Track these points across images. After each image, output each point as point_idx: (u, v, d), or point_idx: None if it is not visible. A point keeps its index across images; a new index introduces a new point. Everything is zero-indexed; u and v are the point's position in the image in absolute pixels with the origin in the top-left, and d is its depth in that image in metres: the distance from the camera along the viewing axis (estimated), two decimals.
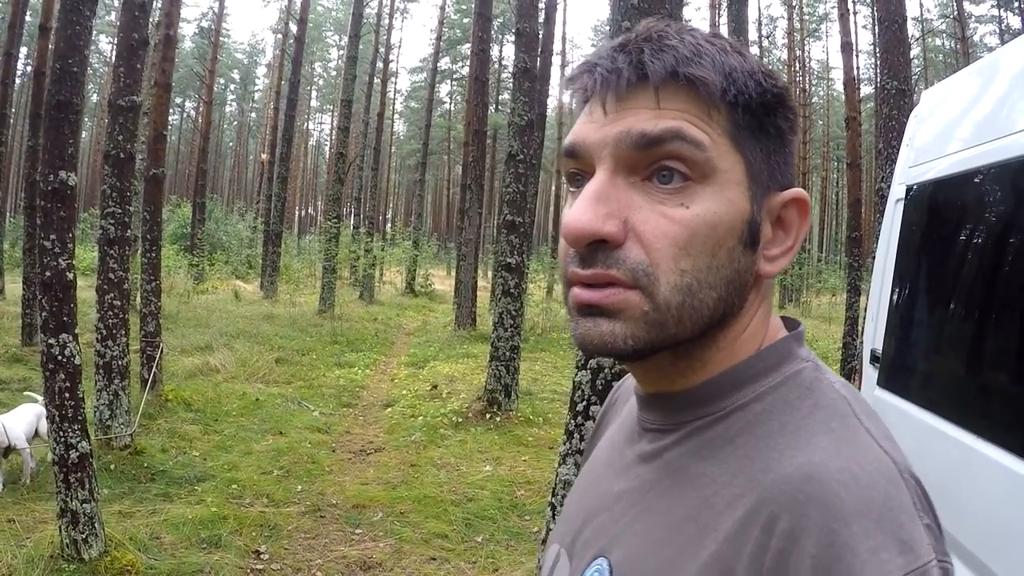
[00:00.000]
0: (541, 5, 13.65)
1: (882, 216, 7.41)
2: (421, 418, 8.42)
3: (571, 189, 0.73)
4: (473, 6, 20.77)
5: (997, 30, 36.53)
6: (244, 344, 11.45)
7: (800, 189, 0.73)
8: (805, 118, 40.75)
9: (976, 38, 34.32)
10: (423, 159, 31.02)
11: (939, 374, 2.97)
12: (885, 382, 3.39)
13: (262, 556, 4.71)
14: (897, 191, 3.88)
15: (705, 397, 0.72)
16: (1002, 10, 34.51)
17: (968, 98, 3.18)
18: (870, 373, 3.84)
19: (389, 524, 5.41)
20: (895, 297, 3.40)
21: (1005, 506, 2.08)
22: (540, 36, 10.45)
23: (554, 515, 3.64)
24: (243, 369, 9.86)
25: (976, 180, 2.72)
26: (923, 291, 3.24)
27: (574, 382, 3.65)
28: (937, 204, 3.15)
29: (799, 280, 35.18)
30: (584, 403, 3.57)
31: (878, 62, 8.52)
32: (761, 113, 0.69)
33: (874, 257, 7.21)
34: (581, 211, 0.66)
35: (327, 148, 66.54)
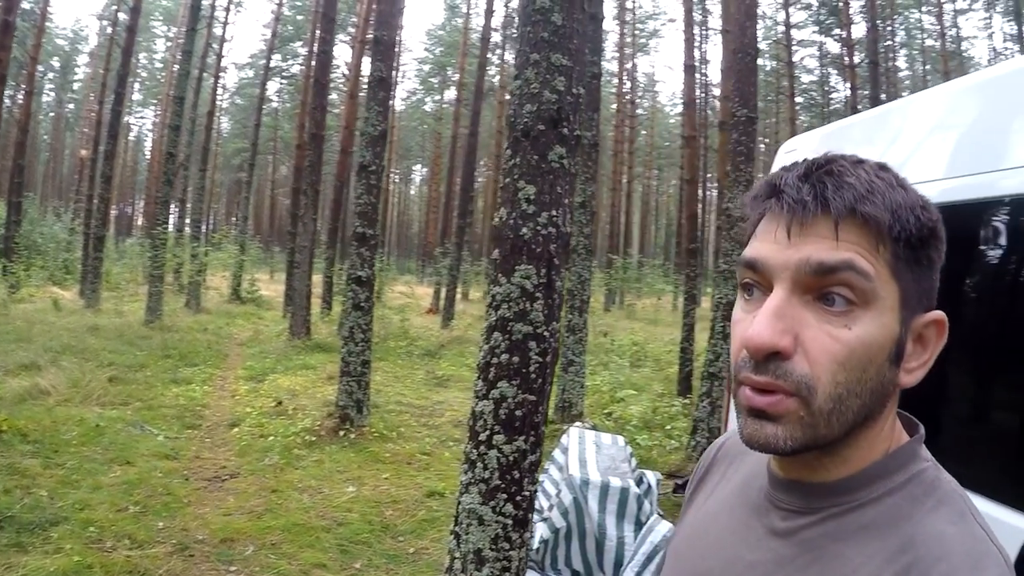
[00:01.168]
0: None
1: (727, 233, 7.86)
2: (272, 438, 8.11)
3: (745, 296, 0.84)
4: (315, 6, 20.33)
5: (817, 53, 39.34)
6: (72, 361, 10.56)
7: (940, 312, 0.83)
8: (631, 129, 42.35)
9: (796, 59, 36.68)
10: (251, 160, 29.62)
11: None
12: None
13: None
14: None
15: (843, 489, 0.83)
16: (822, 35, 37.14)
17: (845, 147, 3.43)
18: None
19: (263, 558, 5.16)
20: None
21: None
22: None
23: (458, 544, 3.60)
24: (76, 391, 9.08)
25: None
26: None
27: (474, 411, 3.64)
28: None
29: (623, 283, 36.53)
30: (487, 432, 3.55)
31: (730, 92, 8.95)
32: (918, 246, 0.79)
33: (712, 268, 7.59)
34: (764, 326, 0.76)
35: (147, 145, 63.19)
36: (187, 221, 28.04)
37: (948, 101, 2.92)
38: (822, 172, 0.79)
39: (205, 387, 10.84)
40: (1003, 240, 2.37)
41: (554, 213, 3.57)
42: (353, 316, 8.89)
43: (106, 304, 18.48)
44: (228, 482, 6.78)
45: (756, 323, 0.77)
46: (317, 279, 20.79)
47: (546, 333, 3.57)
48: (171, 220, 22.17)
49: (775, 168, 4.04)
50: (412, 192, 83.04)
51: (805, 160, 0.82)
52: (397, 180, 68.88)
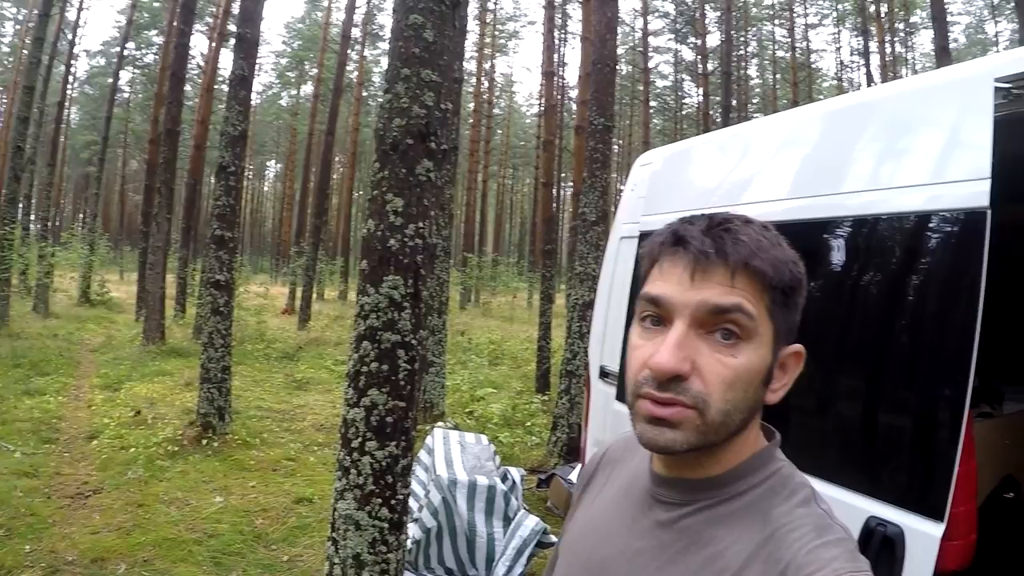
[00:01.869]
0: None
1: (583, 236, 8.15)
2: (133, 449, 7.82)
3: (646, 325, 1.00)
4: None
5: (672, 60, 40.76)
6: None
7: (799, 345, 1.04)
8: (488, 128, 42.70)
9: (652, 65, 37.91)
10: (102, 154, 28.07)
11: None
12: (621, 396, 3.92)
13: None
14: (623, 230, 4.41)
15: (716, 484, 1.01)
16: (678, 43, 38.52)
17: (704, 163, 3.75)
18: (604, 388, 4.39)
19: (136, 575, 5.05)
20: (627, 325, 3.84)
21: None
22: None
23: (337, 550, 3.67)
24: None
25: None
26: None
27: (346, 419, 3.71)
28: None
29: (479, 281, 36.82)
30: (359, 439, 3.63)
31: (585, 95, 9.23)
32: (789, 293, 0.99)
33: (581, 274, 7.88)
34: (668, 354, 0.93)
35: None
36: (32, 218, 26.33)
37: (796, 126, 3.22)
38: (720, 229, 0.97)
39: (60, 397, 10.32)
40: (842, 256, 2.66)
41: (421, 225, 3.68)
42: (212, 321, 8.67)
43: None
44: (92, 498, 6.52)
45: (662, 351, 0.93)
46: (170, 279, 20.08)
47: (413, 341, 3.69)
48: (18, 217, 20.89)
49: (631, 177, 4.30)
50: (266, 188, 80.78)
51: (705, 216, 1.01)
52: (251, 176, 67.03)
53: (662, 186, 4.02)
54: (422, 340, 3.81)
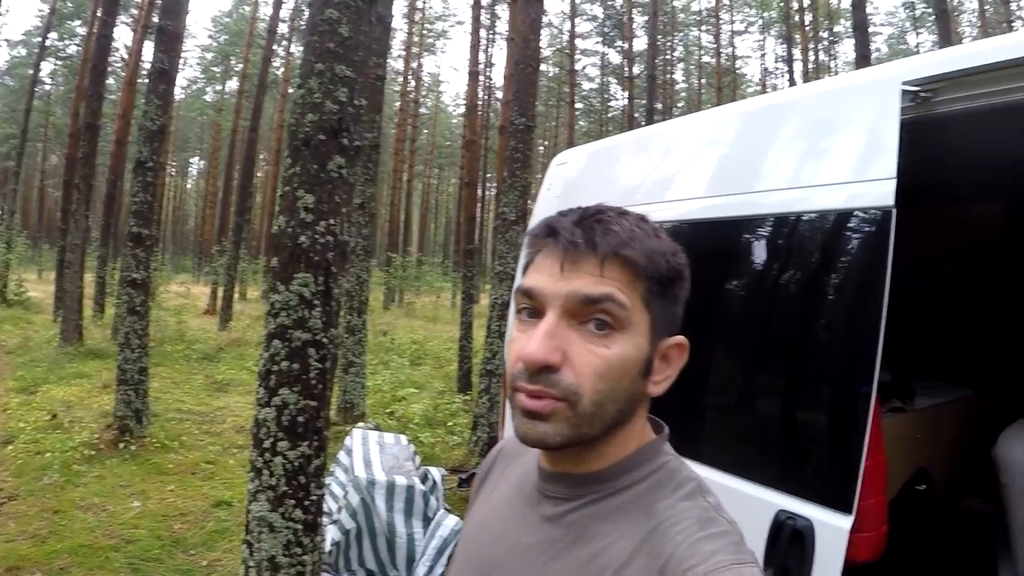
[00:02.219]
0: None
1: (502, 236, 8.17)
2: (49, 454, 7.56)
3: (522, 318, 0.99)
4: None
5: (599, 63, 41.12)
6: None
7: (683, 337, 1.03)
8: (414, 128, 42.57)
9: (578, 67, 38.20)
10: (20, 149, 27.11)
11: None
12: None
13: None
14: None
15: (601, 479, 1.00)
16: (605, 46, 38.89)
17: (617, 164, 3.79)
18: None
19: None
20: None
21: None
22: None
23: (251, 552, 3.62)
24: None
25: None
26: None
27: (257, 419, 3.66)
28: None
29: (402, 281, 36.64)
30: (271, 440, 3.58)
31: (509, 96, 9.25)
32: (667, 284, 0.98)
33: (501, 274, 7.90)
34: (538, 344, 0.92)
35: None
36: None
37: (715, 126, 3.27)
38: (592, 220, 0.96)
39: None
40: (757, 253, 2.72)
41: (332, 222, 3.65)
42: (129, 321, 8.45)
43: None
44: (6, 505, 6.31)
45: (531, 342, 0.92)
46: (89, 279, 19.53)
47: (325, 339, 3.66)
48: None
49: (547, 176, 4.32)
50: (189, 186, 79.07)
51: (579, 208, 0.99)
52: (173, 173, 65.64)
53: (579, 185, 4.03)
54: (334, 339, 3.78)
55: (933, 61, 2.31)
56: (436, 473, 5.84)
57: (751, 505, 2.38)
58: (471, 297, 13.75)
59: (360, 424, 8.19)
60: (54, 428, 8.72)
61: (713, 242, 2.84)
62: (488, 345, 8.40)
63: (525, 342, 0.94)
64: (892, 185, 2.16)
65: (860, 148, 2.40)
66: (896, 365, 3.87)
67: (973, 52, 2.20)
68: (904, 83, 2.27)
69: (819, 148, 2.59)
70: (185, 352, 15.43)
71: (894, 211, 2.14)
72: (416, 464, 5.91)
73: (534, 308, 0.97)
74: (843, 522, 2.13)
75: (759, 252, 2.70)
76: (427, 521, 5.04)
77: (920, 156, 2.44)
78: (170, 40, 8.98)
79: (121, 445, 7.99)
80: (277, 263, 3.67)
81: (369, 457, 5.52)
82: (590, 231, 0.95)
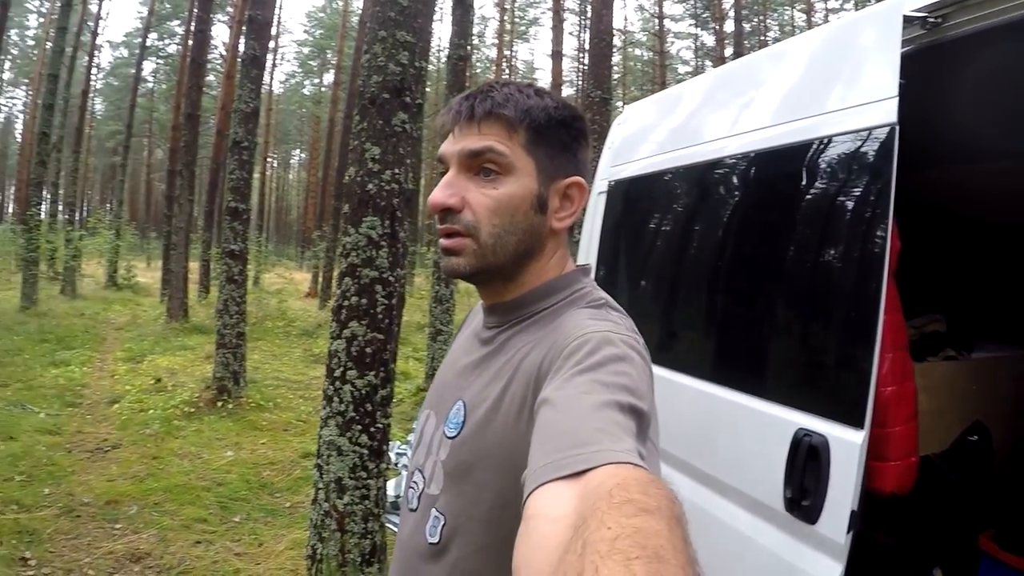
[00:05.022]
0: None
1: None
2: (152, 411, 8.22)
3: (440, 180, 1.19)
4: None
5: (692, 46, 40.64)
6: None
7: (578, 177, 1.20)
8: None
9: (673, 51, 37.85)
10: (126, 143, 28.53)
11: (642, 325, 3.70)
12: None
13: (29, 562, 4.51)
14: (599, 185, 4.65)
15: (522, 303, 1.21)
16: (698, 29, 38.37)
17: (660, 114, 4.00)
18: None
19: (147, 515, 5.38)
20: (601, 272, 4.09)
21: (693, 414, 2.86)
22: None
23: (321, 475, 3.98)
24: None
25: (664, 178, 3.50)
26: (622, 267, 3.96)
27: (330, 350, 4.01)
28: (631, 197, 3.88)
29: None
30: (341, 369, 3.93)
31: (584, 72, 9.44)
32: (546, 131, 1.16)
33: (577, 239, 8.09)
34: (437, 192, 1.14)
35: (18, 127, 59.83)
36: (60, 207, 26.88)
37: (740, 73, 3.43)
38: (477, 92, 1.17)
39: (84, 368, 10.76)
40: (776, 183, 2.86)
41: (396, 171, 3.99)
42: (227, 289, 9.06)
43: None
44: (110, 452, 6.90)
45: (435, 191, 1.15)
46: (194, 266, 20.46)
47: (391, 278, 3.99)
48: (44, 205, 21.44)
49: (608, 135, 4.54)
50: (291, 177, 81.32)
51: (475, 87, 1.21)
52: (275, 165, 67.60)
53: (631, 137, 4.25)
54: (400, 278, 4.10)
55: None
56: None
57: (773, 425, 2.50)
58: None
59: None
60: (157, 391, 9.40)
61: (729, 178, 3.03)
62: None
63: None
64: (894, 103, 2.25)
65: (867, 74, 2.51)
66: (956, 318, 3.86)
67: None
68: (911, 11, 2.38)
69: (827, 77, 2.71)
70: (285, 329, 16.14)
71: (896, 127, 2.23)
72: None
73: (444, 169, 1.18)
74: (855, 436, 2.18)
75: (779, 182, 2.83)
76: None
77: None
78: (260, 29, 9.54)
79: (219, 404, 8.58)
80: (348, 209, 4.03)
81: None
82: (472, 100, 1.15)
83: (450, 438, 1.17)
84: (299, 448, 7.28)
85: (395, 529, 5.29)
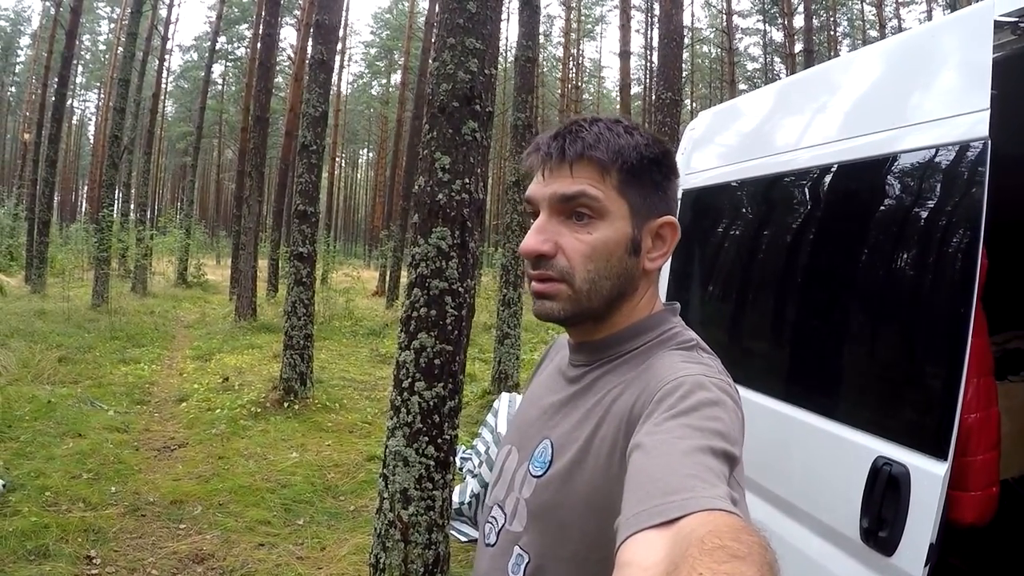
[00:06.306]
0: None
1: None
2: (219, 411, 8.36)
3: (530, 223, 1.17)
4: None
5: (761, 42, 40.05)
6: (21, 343, 10.70)
7: (670, 216, 1.18)
8: (576, 113, 42.64)
9: (741, 47, 37.32)
10: (196, 144, 29.24)
11: (711, 340, 3.59)
12: None
13: (94, 561, 4.61)
14: None
15: (612, 343, 1.19)
16: (766, 25, 37.77)
17: (731, 123, 3.90)
18: None
19: (211, 516, 5.46)
20: (670, 278, 4.00)
21: (764, 433, 2.72)
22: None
23: (387, 485, 3.96)
24: (26, 370, 9.26)
25: (736, 189, 3.41)
26: (694, 274, 3.86)
27: (398, 361, 3.98)
28: (701, 207, 3.79)
29: None
30: (409, 380, 3.90)
31: (655, 74, 9.32)
32: (639, 172, 1.13)
33: None
34: (530, 239, 1.12)
35: (91, 129, 61.77)
36: (132, 206, 27.61)
37: (821, 80, 3.31)
38: (565, 132, 1.14)
39: (153, 366, 11.02)
40: (858, 197, 2.73)
41: (467, 181, 3.93)
42: (295, 291, 9.14)
43: (52, 289, 18.22)
44: (177, 451, 7.03)
45: (527, 237, 1.12)
46: (263, 264, 20.78)
47: (461, 289, 3.94)
48: (116, 204, 22.04)
49: (683, 143, 4.45)
50: (359, 176, 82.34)
51: (560, 124, 1.18)
52: (343, 164, 68.44)
53: (702, 143, 4.15)
54: (470, 290, 4.05)
55: None
56: None
57: (849, 450, 2.40)
58: None
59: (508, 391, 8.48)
60: (225, 389, 9.55)
61: (810, 189, 2.92)
62: None
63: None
64: (986, 116, 2.11)
65: (954, 84, 2.37)
66: None
67: None
68: (1001, 15, 2.25)
69: (916, 86, 2.57)
70: (352, 328, 16.33)
71: (988, 142, 2.10)
72: None
73: (534, 212, 1.16)
74: (937, 468, 2.09)
75: (860, 196, 2.71)
76: None
77: None
78: (327, 33, 9.60)
79: (285, 404, 8.68)
80: (417, 219, 3.99)
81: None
82: (562, 141, 1.13)
83: (536, 476, 1.17)
84: (364, 451, 7.31)
85: (459, 537, 5.31)
